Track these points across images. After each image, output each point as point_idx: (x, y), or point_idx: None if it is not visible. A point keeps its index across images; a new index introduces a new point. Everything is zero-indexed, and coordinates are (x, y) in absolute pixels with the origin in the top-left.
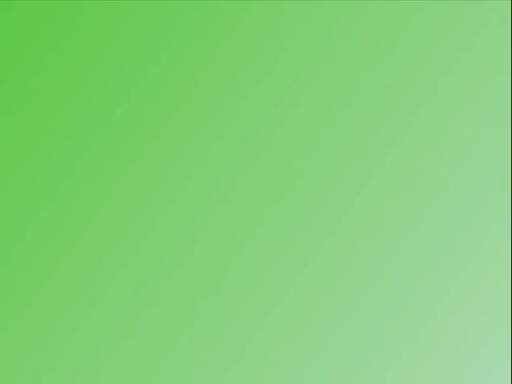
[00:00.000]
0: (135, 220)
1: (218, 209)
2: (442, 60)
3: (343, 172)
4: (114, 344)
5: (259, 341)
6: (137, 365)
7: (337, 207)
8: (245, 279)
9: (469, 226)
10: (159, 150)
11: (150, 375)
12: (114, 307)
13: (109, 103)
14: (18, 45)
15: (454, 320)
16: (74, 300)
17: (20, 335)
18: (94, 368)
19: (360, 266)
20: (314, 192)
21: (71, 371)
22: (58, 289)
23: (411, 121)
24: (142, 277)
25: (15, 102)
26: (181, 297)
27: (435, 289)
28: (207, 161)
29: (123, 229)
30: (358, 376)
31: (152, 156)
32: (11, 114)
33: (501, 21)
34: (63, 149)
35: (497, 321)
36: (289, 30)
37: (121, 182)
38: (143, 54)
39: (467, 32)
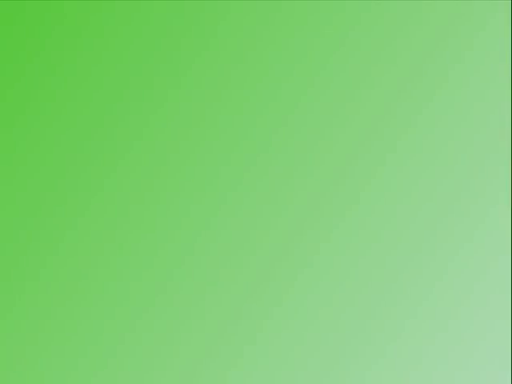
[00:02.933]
0: (146, 225)
1: (219, 217)
2: (442, 63)
3: (345, 170)
4: (122, 349)
5: (262, 344)
6: (143, 369)
7: (337, 210)
8: (247, 283)
9: (470, 233)
10: (164, 155)
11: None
12: (120, 312)
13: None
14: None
15: (454, 326)
16: (78, 298)
17: (34, 348)
18: (102, 372)
19: (361, 269)
20: (316, 196)
21: (73, 368)
22: (69, 293)
23: (413, 123)
24: (148, 279)
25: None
26: (185, 302)
27: (436, 292)
28: (205, 170)
29: (135, 232)
30: (360, 378)
31: (156, 161)
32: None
33: (501, 23)
34: (78, 166)
35: (497, 321)
36: (292, 38)
37: (129, 188)
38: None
39: (467, 34)
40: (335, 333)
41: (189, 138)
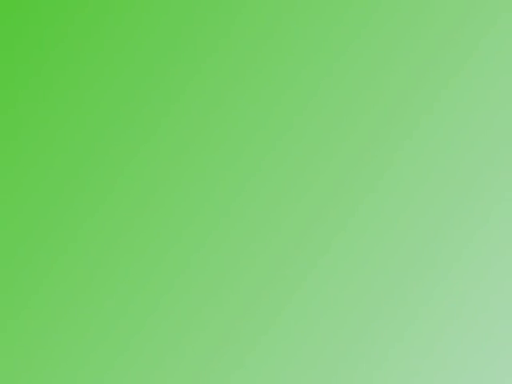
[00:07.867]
0: (153, 229)
1: (224, 221)
2: (447, 68)
3: (350, 175)
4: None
5: (266, 348)
6: (148, 371)
7: (344, 212)
8: (251, 286)
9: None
10: (168, 163)
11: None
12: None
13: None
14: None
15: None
16: (85, 302)
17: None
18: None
19: (365, 275)
20: (323, 199)
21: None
22: (76, 302)
23: (418, 127)
24: (153, 284)
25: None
26: (189, 306)
27: (440, 293)
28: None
29: (142, 236)
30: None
31: (164, 166)
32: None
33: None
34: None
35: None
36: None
37: (137, 195)
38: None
39: (474, 37)
40: (340, 336)
41: (199, 142)
